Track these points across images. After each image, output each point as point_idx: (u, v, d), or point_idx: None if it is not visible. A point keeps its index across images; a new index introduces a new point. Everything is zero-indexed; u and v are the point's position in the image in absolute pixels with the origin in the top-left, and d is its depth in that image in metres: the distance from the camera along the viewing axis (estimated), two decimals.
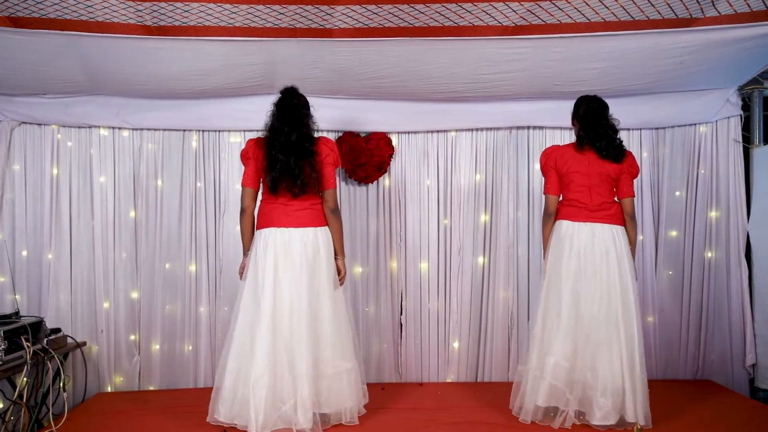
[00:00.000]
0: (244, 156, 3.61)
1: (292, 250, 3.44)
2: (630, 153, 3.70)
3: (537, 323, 3.61)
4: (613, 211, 3.61)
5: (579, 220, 3.58)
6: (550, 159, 3.70)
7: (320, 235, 3.53)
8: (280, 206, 3.49)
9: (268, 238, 3.46)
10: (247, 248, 3.60)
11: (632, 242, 3.66)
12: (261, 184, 3.58)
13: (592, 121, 3.61)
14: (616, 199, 3.66)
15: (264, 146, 3.52)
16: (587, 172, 3.59)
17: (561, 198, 3.71)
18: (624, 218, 3.65)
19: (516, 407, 3.62)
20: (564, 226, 3.62)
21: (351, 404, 3.52)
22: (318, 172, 3.50)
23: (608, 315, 3.44)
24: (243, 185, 3.59)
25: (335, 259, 3.61)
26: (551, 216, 3.70)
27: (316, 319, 3.45)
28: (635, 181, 4.54)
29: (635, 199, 4.53)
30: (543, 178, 3.78)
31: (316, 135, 3.62)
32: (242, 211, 3.58)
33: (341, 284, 3.64)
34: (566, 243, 3.57)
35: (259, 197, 3.62)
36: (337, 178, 3.85)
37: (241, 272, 3.61)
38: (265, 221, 3.52)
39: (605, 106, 3.65)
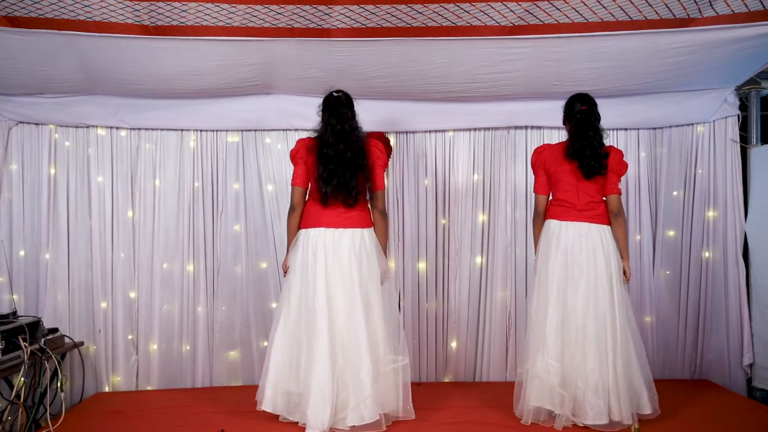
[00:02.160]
0: (294, 156, 3.60)
1: (341, 249, 3.47)
2: (615, 150, 3.67)
3: (531, 323, 3.63)
4: (600, 211, 3.61)
5: (566, 220, 3.59)
6: (540, 158, 3.72)
7: (367, 236, 3.56)
8: (330, 207, 3.51)
9: (318, 237, 3.48)
10: (289, 244, 3.61)
11: (620, 240, 3.62)
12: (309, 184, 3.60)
13: (581, 132, 3.59)
14: (604, 198, 3.67)
15: (315, 153, 3.51)
16: (575, 172, 3.60)
17: (551, 197, 3.73)
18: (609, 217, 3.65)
19: (518, 409, 3.60)
20: (552, 226, 3.64)
21: (406, 404, 3.54)
22: (370, 180, 3.55)
23: (596, 315, 3.45)
24: (293, 184, 3.59)
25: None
26: (540, 215, 3.73)
27: (370, 317, 3.47)
28: (632, 179, 4.62)
29: (635, 197, 4.63)
30: (535, 178, 3.80)
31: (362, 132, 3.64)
32: (292, 209, 3.60)
33: (384, 281, 3.64)
34: (553, 242, 3.59)
35: None
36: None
37: (285, 269, 3.62)
38: (313, 221, 3.52)
39: (597, 116, 3.62)
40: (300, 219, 3.59)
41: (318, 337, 3.34)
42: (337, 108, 3.53)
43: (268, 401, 3.46)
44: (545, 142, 4.58)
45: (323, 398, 3.28)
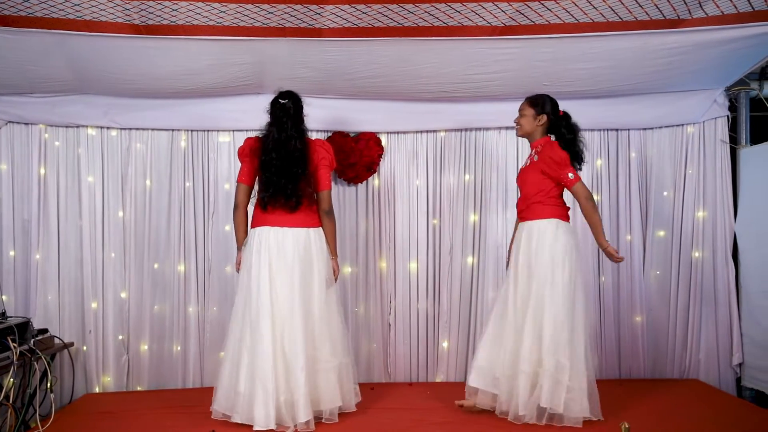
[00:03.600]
0: (241, 153, 3.66)
1: (285, 248, 3.51)
2: None
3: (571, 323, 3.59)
4: None
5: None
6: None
7: (312, 235, 3.60)
8: (270, 212, 3.57)
9: (262, 236, 3.53)
10: (240, 243, 3.68)
11: None
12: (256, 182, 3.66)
13: (577, 138, 3.70)
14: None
15: (258, 158, 3.56)
16: None
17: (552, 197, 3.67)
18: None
19: (522, 409, 3.49)
20: (570, 227, 3.70)
21: (341, 402, 3.59)
22: (312, 186, 3.60)
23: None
24: (238, 181, 3.66)
25: (330, 259, 3.70)
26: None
27: (309, 317, 3.52)
28: (623, 179, 4.73)
29: (625, 197, 4.71)
30: (571, 170, 3.56)
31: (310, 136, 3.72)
32: (235, 207, 3.67)
33: (335, 282, 3.72)
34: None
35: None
36: (332, 180, 3.90)
37: (238, 266, 3.69)
38: (260, 220, 3.58)
39: None
40: (245, 217, 3.67)
41: (261, 335, 3.40)
42: (279, 116, 3.58)
43: (219, 400, 3.52)
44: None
45: (266, 396, 3.34)
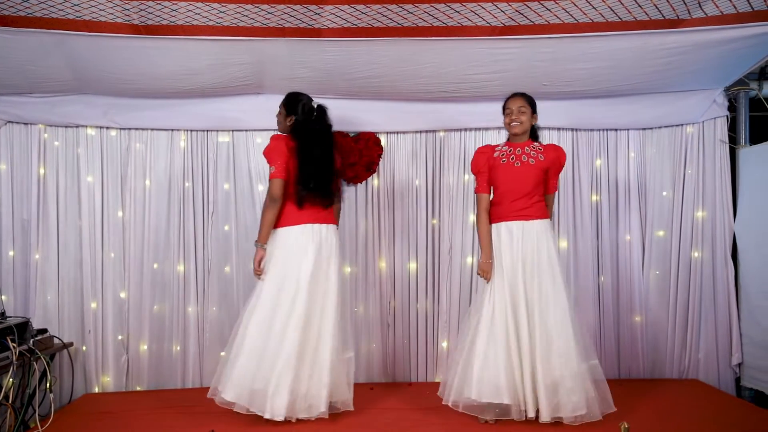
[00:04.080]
0: (275, 150, 3.63)
1: (326, 244, 3.66)
2: None
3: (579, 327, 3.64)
4: None
5: None
6: None
7: (337, 231, 3.81)
8: (306, 209, 3.67)
9: (306, 232, 3.62)
10: (265, 239, 3.65)
11: None
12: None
13: None
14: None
15: (296, 157, 3.63)
16: None
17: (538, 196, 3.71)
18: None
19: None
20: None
21: (351, 394, 3.70)
22: (338, 182, 3.85)
23: None
24: (278, 177, 3.60)
25: None
26: None
27: (340, 310, 3.68)
28: (621, 179, 4.68)
29: (624, 198, 4.70)
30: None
31: None
32: (274, 200, 3.62)
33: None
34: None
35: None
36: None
37: (260, 263, 3.63)
38: (298, 218, 3.64)
39: None
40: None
41: (292, 330, 3.47)
42: (320, 117, 3.75)
43: (241, 394, 3.48)
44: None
45: (287, 387, 3.40)
